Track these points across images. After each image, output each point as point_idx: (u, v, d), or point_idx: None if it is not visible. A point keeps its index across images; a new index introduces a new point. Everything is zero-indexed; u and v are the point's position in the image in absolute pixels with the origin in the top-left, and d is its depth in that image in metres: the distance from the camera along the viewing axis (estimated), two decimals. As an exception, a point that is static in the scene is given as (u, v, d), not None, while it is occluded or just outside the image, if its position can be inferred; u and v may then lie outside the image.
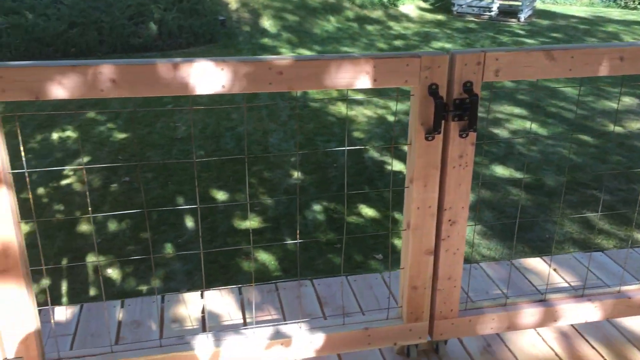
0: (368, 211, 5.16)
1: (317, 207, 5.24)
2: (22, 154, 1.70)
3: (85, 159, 6.41)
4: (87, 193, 5.76)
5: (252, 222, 4.98)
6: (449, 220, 1.67)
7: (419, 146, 1.58)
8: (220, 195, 5.47)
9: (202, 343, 1.71)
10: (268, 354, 1.73)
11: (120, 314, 2.14)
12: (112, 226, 4.91)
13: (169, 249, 4.57)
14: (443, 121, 1.56)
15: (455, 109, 1.55)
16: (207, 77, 1.41)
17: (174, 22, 12.17)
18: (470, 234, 4.66)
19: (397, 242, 4.73)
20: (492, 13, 16.09)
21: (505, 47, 1.45)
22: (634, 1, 19.23)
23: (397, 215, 5.12)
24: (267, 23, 14.28)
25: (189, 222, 4.99)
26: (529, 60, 1.55)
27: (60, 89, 1.37)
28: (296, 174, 5.96)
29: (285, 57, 1.43)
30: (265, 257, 4.43)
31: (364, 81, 1.48)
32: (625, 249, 3.13)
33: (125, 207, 5.19)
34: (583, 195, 5.71)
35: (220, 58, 1.43)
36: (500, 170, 6.33)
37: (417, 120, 1.56)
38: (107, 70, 1.38)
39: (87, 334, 2.06)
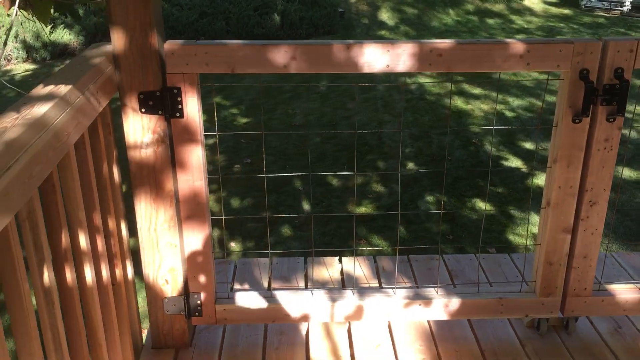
0: (482, 205, 5.18)
1: (430, 198, 5.32)
2: (215, 120, 1.98)
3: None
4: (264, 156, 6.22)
5: (365, 208, 5.16)
6: (590, 201, 1.75)
7: (566, 128, 1.68)
8: (335, 182, 5.70)
9: (348, 298, 1.92)
10: (407, 312, 1.89)
11: (269, 270, 2.41)
12: (235, 203, 5.30)
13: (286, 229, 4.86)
14: (592, 105, 1.64)
15: (605, 93, 1.62)
16: (374, 57, 1.60)
17: (295, 13, 12.63)
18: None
19: (511, 236, 4.72)
20: (625, 8, 15.13)
21: None
22: None
23: (512, 212, 5.09)
24: (385, 15, 14.39)
25: (305, 205, 5.26)
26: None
27: (251, 66, 1.62)
28: (410, 165, 6.06)
29: (445, 40, 1.59)
30: (379, 242, 4.60)
31: (519, 64, 1.60)
32: None
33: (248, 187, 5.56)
34: None
35: (388, 40, 1.62)
36: (627, 173, 6.06)
37: (565, 103, 1.66)
38: (290, 49, 1.60)
39: (244, 282, 2.34)
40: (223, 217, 2.99)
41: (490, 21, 14.69)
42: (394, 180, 5.73)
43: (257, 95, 8.47)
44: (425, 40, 1.60)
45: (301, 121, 7.54)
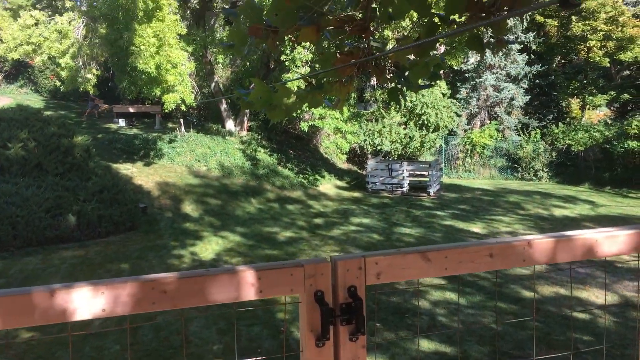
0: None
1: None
2: None
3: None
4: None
5: None
6: None
7: (310, 353, 1.58)
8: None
9: None
10: None
11: None
12: None
13: None
14: (332, 327, 1.58)
15: (343, 313, 1.58)
16: (85, 301, 1.40)
17: (93, 212, 12.15)
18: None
19: None
20: (404, 189, 17.18)
21: (384, 250, 1.54)
22: (529, 173, 21.24)
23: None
24: (188, 208, 14.51)
25: None
26: (406, 263, 1.64)
27: None
28: (216, 367, 5.66)
29: (169, 275, 1.45)
30: None
31: (250, 293, 1.51)
32: None
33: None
34: (506, 367, 5.72)
35: (102, 281, 1.43)
36: (426, 344, 6.31)
37: (306, 327, 1.58)
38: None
39: None
40: None
41: (291, 207, 15.58)
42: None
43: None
44: (147, 276, 1.45)
45: (97, 328, 6.82)
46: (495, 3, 2.37)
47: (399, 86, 2.62)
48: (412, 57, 2.69)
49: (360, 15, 2.51)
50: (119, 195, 12.88)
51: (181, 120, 19.50)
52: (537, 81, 24.25)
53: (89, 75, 15.53)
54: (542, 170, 21.07)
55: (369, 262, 1.61)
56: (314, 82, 2.73)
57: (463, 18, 2.38)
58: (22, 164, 12.50)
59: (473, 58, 23.34)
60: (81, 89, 16.55)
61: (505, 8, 2.41)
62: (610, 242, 1.82)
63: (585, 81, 24.69)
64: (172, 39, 13.04)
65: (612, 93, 24.76)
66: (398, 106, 18.71)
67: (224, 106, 20.35)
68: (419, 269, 1.65)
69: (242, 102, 2.89)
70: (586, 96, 24.60)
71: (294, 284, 1.55)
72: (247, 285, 1.51)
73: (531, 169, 21.21)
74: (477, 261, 1.69)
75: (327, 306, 1.55)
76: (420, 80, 2.72)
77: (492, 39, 2.60)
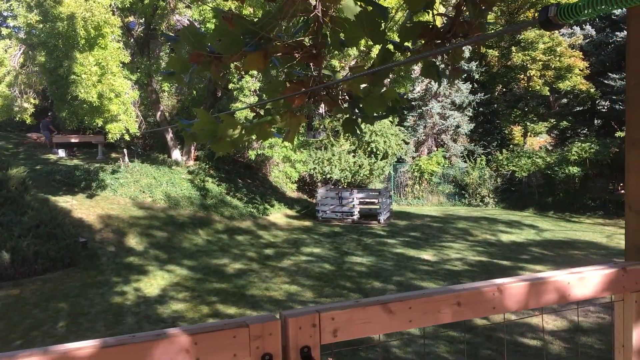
0: None
1: None
2: None
3: None
4: None
5: None
6: None
7: None
8: None
9: None
10: None
11: None
12: None
13: None
14: (283, 395, 1.36)
15: (296, 378, 1.37)
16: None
17: (28, 248, 11.45)
18: None
19: None
20: (354, 217, 17.09)
21: (341, 302, 1.33)
22: (476, 199, 21.59)
23: None
24: (133, 241, 13.93)
25: None
26: (366, 316, 1.45)
27: None
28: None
29: (85, 344, 1.20)
30: None
31: (185, 362, 1.28)
32: None
33: None
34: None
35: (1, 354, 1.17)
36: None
37: (254, 398, 1.35)
38: None
39: None
40: None
41: (240, 238, 15.21)
42: None
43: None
44: (57, 348, 1.20)
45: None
46: (451, 30, 2.26)
47: (354, 117, 2.46)
48: (365, 86, 2.54)
49: (310, 42, 2.35)
50: (57, 229, 12.24)
51: (125, 150, 18.91)
52: (480, 109, 24.88)
53: (26, 105, 14.88)
54: (489, 196, 21.45)
55: (324, 317, 1.40)
56: (262, 112, 2.54)
57: (418, 45, 2.26)
58: (-49, 198, 11.73)
59: (419, 86, 23.77)
60: (17, 119, 15.84)
61: (460, 35, 2.30)
62: (581, 284, 1.68)
63: (526, 109, 25.52)
64: (115, 67, 12.64)
65: (552, 120, 25.66)
66: (348, 135, 18.76)
67: (170, 135, 19.89)
68: (381, 322, 1.46)
69: (185, 133, 2.68)
70: (527, 123, 25.38)
71: (238, 348, 1.33)
72: (181, 353, 1.27)
73: (478, 195, 21.57)
74: (443, 311, 1.52)
75: (276, 373, 1.33)
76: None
77: (447, 67, 2.48)
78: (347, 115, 2.44)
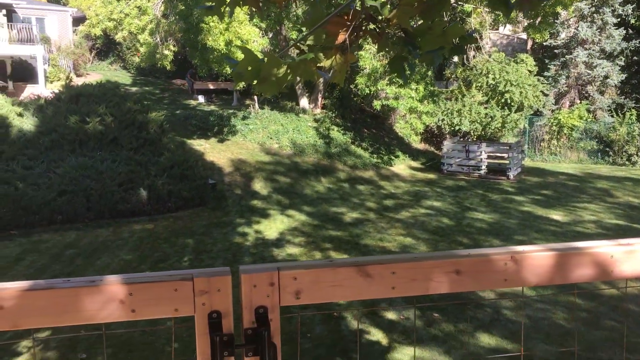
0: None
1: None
2: None
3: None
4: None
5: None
6: None
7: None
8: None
9: None
10: None
11: None
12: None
13: None
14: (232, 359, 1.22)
15: (248, 342, 1.22)
16: None
17: (163, 187, 12.33)
18: None
19: None
20: (482, 171, 16.28)
21: (312, 261, 1.14)
22: (622, 157, 19.55)
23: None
24: (258, 185, 14.47)
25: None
26: (337, 279, 1.25)
27: None
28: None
29: (10, 285, 1.14)
30: None
31: (118, 313, 1.17)
32: None
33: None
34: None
35: None
36: (486, 339, 5.83)
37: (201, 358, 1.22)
38: None
39: None
40: None
41: (361, 187, 15.17)
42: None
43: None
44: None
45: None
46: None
47: (403, 54, 2.17)
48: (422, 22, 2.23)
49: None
50: (189, 171, 13.02)
51: (255, 97, 19.51)
52: (634, 58, 22.15)
53: (166, 52, 15.76)
54: (637, 154, 19.28)
55: (285, 276, 1.22)
56: (305, 49, 2.34)
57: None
58: (99, 138, 12.88)
59: (564, 33, 21.65)
60: (160, 65, 16.86)
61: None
62: (631, 258, 1.33)
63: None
64: (242, 15, 12.88)
65: None
66: (477, 84, 17.68)
67: (299, 84, 20.15)
68: (354, 287, 1.25)
69: (233, 73, 2.56)
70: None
71: (180, 303, 1.20)
72: (114, 302, 1.17)
73: (624, 153, 19.47)
74: (437, 279, 1.27)
75: (220, 334, 1.18)
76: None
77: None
78: (396, 53, 2.16)
